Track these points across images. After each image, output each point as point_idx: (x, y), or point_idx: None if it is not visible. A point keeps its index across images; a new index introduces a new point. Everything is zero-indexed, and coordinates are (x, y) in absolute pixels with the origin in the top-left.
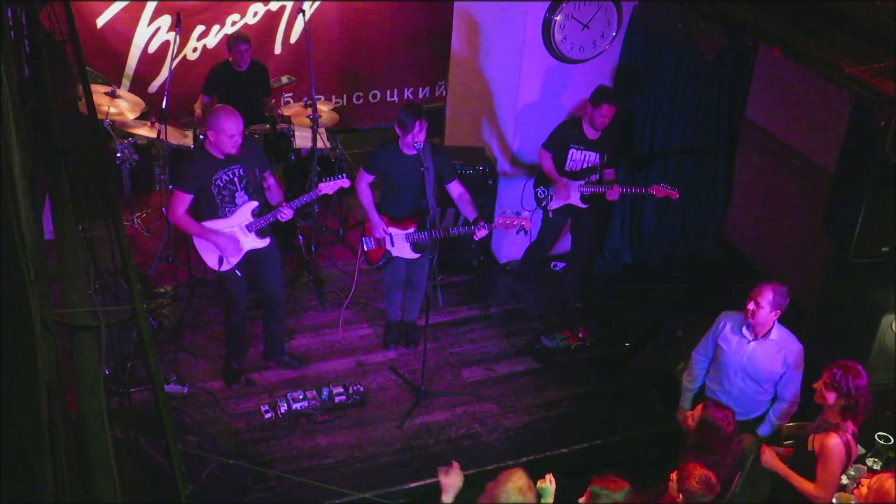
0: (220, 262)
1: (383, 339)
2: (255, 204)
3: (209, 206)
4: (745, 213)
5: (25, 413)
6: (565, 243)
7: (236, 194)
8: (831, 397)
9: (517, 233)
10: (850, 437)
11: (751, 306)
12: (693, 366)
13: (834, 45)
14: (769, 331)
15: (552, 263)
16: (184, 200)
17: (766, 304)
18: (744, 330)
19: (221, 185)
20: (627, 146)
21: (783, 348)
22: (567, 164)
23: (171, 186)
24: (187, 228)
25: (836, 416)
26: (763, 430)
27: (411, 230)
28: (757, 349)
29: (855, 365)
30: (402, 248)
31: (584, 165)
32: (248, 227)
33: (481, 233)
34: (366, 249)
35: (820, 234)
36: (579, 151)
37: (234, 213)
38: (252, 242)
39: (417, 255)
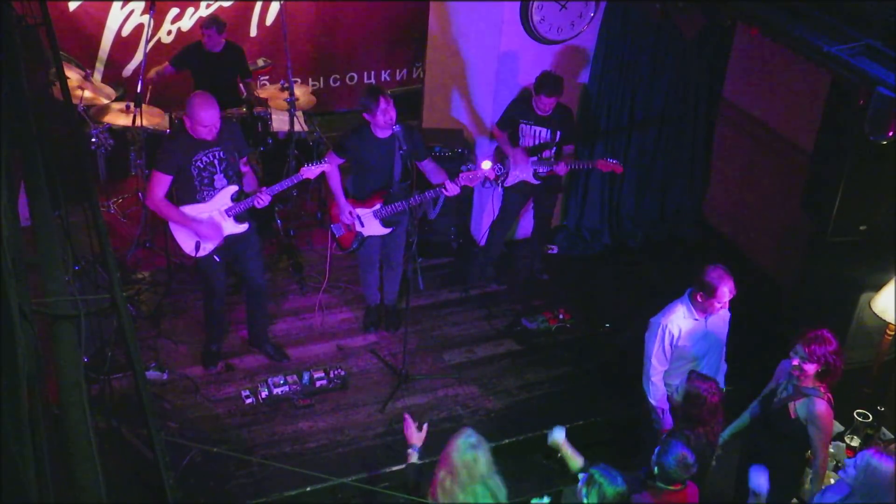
0: (197, 247)
1: (363, 323)
2: (234, 188)
3: (188, 189)
4: (723, 193)
5: (6, 405)
6: (526, 226)
7: (216, 177)
8: (811, 369)
9: (483, 184)
10: (829, 395)
11: (726, 301)
12: (659, 387)
13: (812, 24)
14: None
15: (547, 247)
16: (162, 182)
17: (734, 291)
18: (695, 314)
19: (202, 166)
20: (606, 126)
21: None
22: (521, 140)
23: (147, 171)
24: (165, 214)
25: (811, 381)
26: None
27: (377, 206)
28: (714, 322)
29: (822, 333)
30: (371, 226)
31: (537, 141)
32: (227, 212)
33: (453, 189)
34: (336, 236)
35: (798, 214)
36: (529, 126)
37: (213, 197)
38: (230, 227)
39: (389, 230)
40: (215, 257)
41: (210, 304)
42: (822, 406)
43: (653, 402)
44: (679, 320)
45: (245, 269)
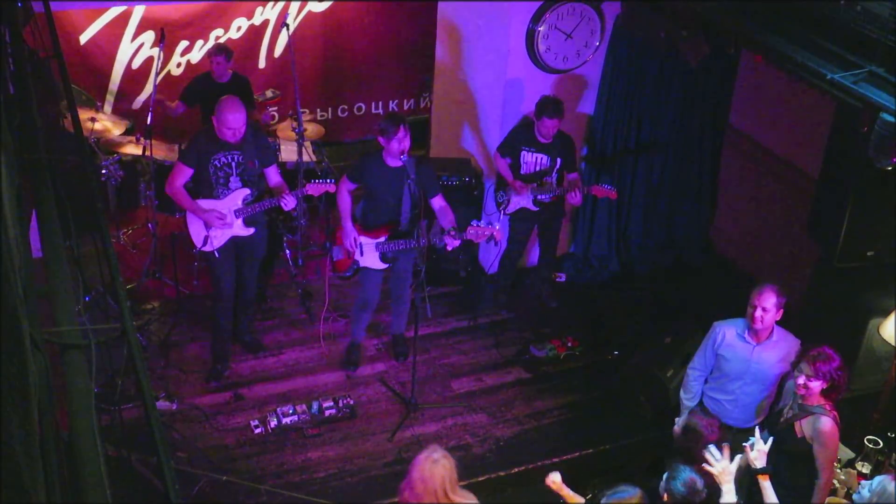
0: (204, 241)
1: (346, 361)
2: (247, 191)
3: (205, 185)
4: (730, 219)
5: (18, 433)
6: (535, 254)
7: (231, 178)
8: (817, 386)
9: (487, 241)
10: (835, 413)
11: (758, 313)
12: (691, 382)
13: (816, 51)
14: (771, 333)
15: (555, 275)
16: (183, 173)
17: (772, 308)
18: (746, 336)
19: (218, 165)
20: (612, 154)
21: (785, 348)
22: (521, 167)
23: (156, 203)
24: (180, 201)
25: (816, 399)
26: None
27: (382, 239)
28: (762, 353)
29: (824, 350)
30: (370, 258)
31: (537, 168)
32: (237, 213)
33: (452, 243)
34: (335, 259)
35: (805, 240)
36: (530, 153)
37: (226, 197)
38: (238, 228)
39: (385, 266)
40: (216, 253)
41: (215, 312)
42: (827, 424)
43: (680, 392)
44: (729, 331)
45: (241, 274)
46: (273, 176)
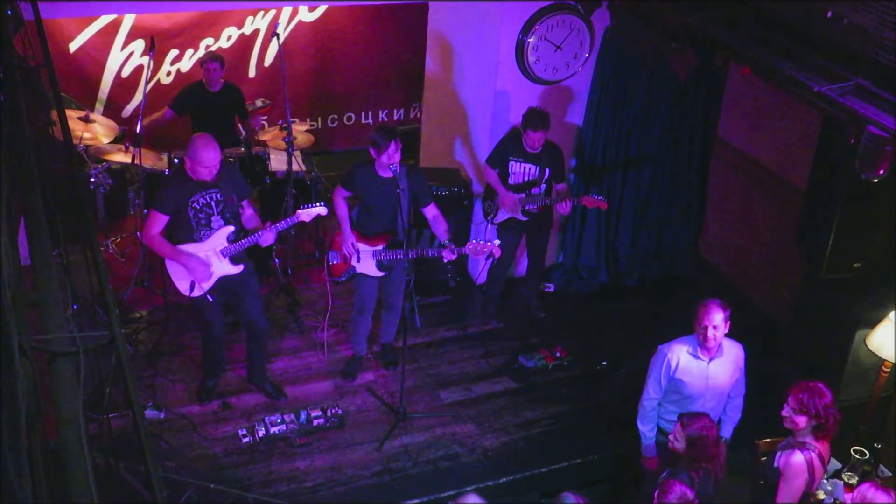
0: (192, 287)
1: (343, 371)
2: (230, 229)
3: (185, 229)
4: (719, 231)
5: (6, 441)
6: (523, 264)
7: (212, 218)
8: (802, 421)
9: (486, 258)
10: (815, 455)
11: (710, 333)
12: (649, 414)
13: (803, 63)
14: (720, 346)
15: (544, 285)
16: (159, 221)
17: (721, 323)
18: (699, 354)
19: (198, 207)
20: (601, 165)
21: (734, 356)
22: (510, 177)
23: (145, 211)
24: (159, 249)
25: (807, 436)
26: (726, 432)
27: (380, 247)
28: (717, 367)
29: (817, 384)
30: (367, 264)
31: (526, 178)
32: (223, 253)
33: (449, 256)
34: (331, 263)
35: (793, 251)
36: (518, 164)
37: (209, 238)
38: (225, 268)
39: (381, 274)
40: (208, 297)
41: (207, 342)
42: (795, 458)
43: (638, 424)
44: (681, 353)
45: (245, 312)
46: (246, 209)
